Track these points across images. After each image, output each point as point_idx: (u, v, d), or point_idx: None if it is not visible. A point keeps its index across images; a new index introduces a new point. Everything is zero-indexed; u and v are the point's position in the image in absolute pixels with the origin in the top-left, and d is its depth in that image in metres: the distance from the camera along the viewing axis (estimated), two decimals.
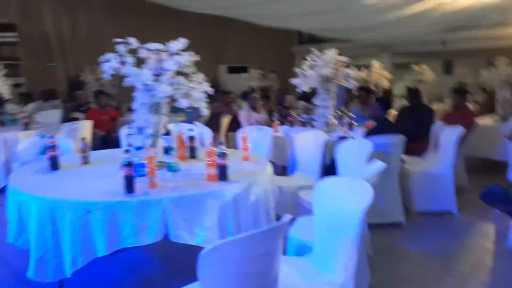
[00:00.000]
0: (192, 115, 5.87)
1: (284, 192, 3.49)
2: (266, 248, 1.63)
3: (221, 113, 6.63)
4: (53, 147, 3.01)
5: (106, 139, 6.36)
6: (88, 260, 2.24)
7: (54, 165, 2.97)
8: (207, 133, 4.44)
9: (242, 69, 13.28)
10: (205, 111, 3.08)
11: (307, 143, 4.03)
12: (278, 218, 2.84)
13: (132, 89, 3.05)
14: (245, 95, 7.99)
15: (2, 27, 8.39)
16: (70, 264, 2.21)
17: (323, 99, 5.07)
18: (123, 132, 4.56)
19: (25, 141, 3.88)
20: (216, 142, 2.79)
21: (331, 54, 5.07)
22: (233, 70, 13.48)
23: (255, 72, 12.11)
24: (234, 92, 8.06)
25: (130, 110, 6.74)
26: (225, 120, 6.60)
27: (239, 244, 1.53)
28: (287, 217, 1.68)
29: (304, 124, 5.27)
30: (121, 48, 2.90)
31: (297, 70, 5.13)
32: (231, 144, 5.18)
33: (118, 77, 2.94)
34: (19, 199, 2.46)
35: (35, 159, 3.38)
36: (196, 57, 3.05)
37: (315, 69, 5.06)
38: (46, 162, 2.98)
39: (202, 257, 1.48)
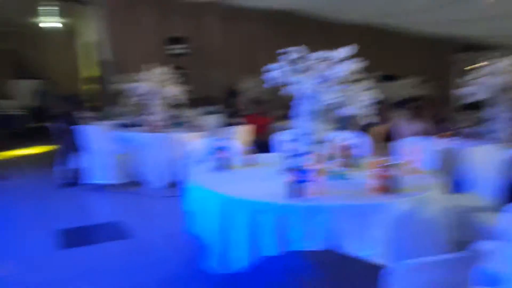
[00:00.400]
0: (346, 122, 5.74)
1: (454, 211, 3.11)
2: (459, 275, 1.43)
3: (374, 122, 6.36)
4: (222, 148, 3.24)
5: (259, 144, 6.68)
6: (259, 256, 2.33)
7: (224, 165, 3.19)
8: (366, 142, 4.28)
9: (392, 77, 12.62)
10: (372, 119, 2.97)
11: (483, 158, 3.54)
12: (451, 241, 2.55)
13: (286, 97, 3.11)
14: (400, 104, 7.55)
15: (177, 40, 9.64)
16: (244, 258, 2.33)
17: (500, 110, 4.43)
18: (276, 137, 4.70)
19: (195, 142, 4.27)
20: (380, 152, 2.64)
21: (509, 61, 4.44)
22: (383, 78, 12.92)
23: (410, 80, 11.37)
24: (386, 101, 7.67)
25: (284, 117, 6.99)
26: (378, 129, 6.30)
27: (430, 267, 1.38)
28: (482, 244, 1.46)
29: (474, 136, 4.69)
30: (287, 58, 3.00)
31: (463, 79, 4.62)
32: (385, 154, 4.91)
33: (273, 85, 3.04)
34: (200, 194, 2.69)
35: (205, 158, 3.69)
36: (361, 64, 2.99)
37: (490, 77, 4.48)
38: (217, 161, 3.22)
39: (387, 275, 1.37)
